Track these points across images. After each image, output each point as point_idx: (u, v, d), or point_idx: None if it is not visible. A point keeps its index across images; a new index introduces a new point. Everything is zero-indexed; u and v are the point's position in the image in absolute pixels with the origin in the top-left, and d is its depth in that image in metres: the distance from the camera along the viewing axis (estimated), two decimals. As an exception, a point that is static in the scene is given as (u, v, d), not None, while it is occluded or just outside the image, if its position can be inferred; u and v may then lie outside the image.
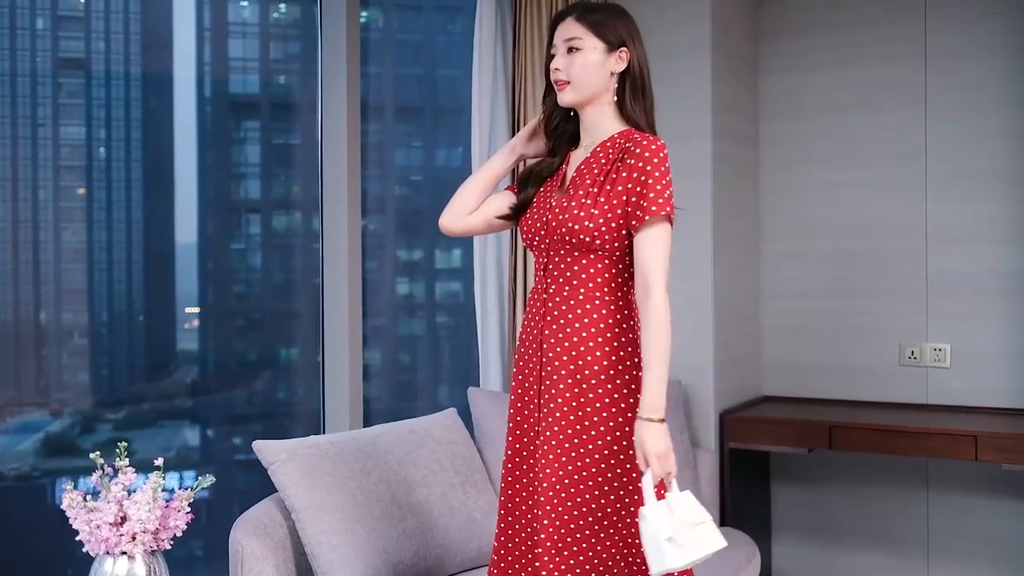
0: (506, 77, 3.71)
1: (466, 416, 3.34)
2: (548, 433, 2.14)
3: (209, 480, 2.34)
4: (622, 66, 2.22)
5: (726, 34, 4.01)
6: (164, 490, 2.29)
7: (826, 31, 4.21)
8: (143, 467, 2.32)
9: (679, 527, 1.94)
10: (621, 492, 2.12)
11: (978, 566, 3.91)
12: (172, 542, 2.27)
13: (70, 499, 2.19)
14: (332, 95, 3.44)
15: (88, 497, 2.22)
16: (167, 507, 2.26)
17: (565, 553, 2.11)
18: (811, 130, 4.25)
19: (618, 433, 2.12)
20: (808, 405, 4.14)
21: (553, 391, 2.16)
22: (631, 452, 2.09)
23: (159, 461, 2.30)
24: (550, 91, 2.29)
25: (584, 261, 2.17)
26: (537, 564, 2.14)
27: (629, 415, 2.11)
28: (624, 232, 2.13)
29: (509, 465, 2.29)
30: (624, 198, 2.12)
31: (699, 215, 3.83)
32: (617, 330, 2.14)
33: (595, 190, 2.16)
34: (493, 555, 2.32)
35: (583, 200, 2.16)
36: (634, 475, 2.11)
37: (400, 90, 4.24)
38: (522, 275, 3.64)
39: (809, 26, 4.25)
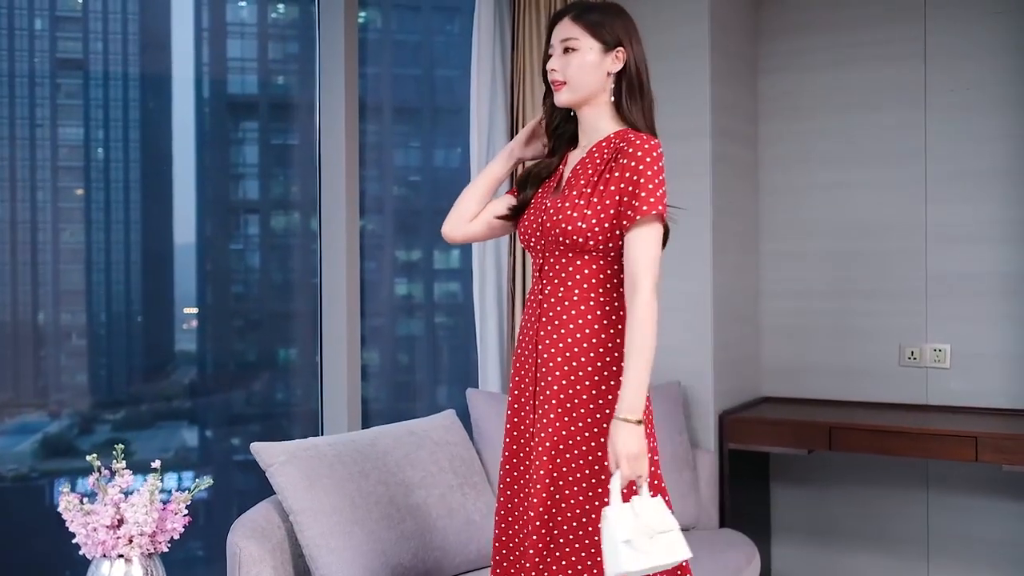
0: (504, 77, 3.70)
1: (465, 417, 3.34)
2: (543, 434, 2.14)
3: (207, 482, 2.34)
4: (618, 66, 2.21)
5: (725, 34, 4.00)
6: (163, 491, 2.29)
7: (825, 31, 4.21)
8: (141, 468, 2.31)
9: (639, 531, 1.91)
10: (600, 490, 2.10)
11: (978, 567, 3.90)
12: (169, 545, 2.26)
13: (66, 502, 2.18)
14: (330, 95, 3.43)
15: (85, 500, 2.21)
16: (164, 510, 2.25)
17: (558, 554, 2.11)
18: (811, 130, 4.24)
19: (594, 444, 2.11)
20: (807, 406, 4.13)
21: (548, 392, 2.16)
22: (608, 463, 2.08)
23: (156, 464, 2.29)
24: (550, 93, 2.28)
25: (578, 262, 2.17)
26: (528, 565, 2.13)
27: (606, 426, 2.10)
28: (618, 233, 2.12)
29: (507, 466, 2.29)
30: (617, 198, 2.11)
31: (698, 215, 3.83)
32: (612, 331, 2.13)
33: (588, 190, 2.15)
34: (494, 556, 2.31)
35: (576, 201, 2.16)
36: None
37: (398, 90, 4.23)
38: (521, 276, 3.63)
39: (808, 26, 4.24)
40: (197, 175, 3.74)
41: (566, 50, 2.21)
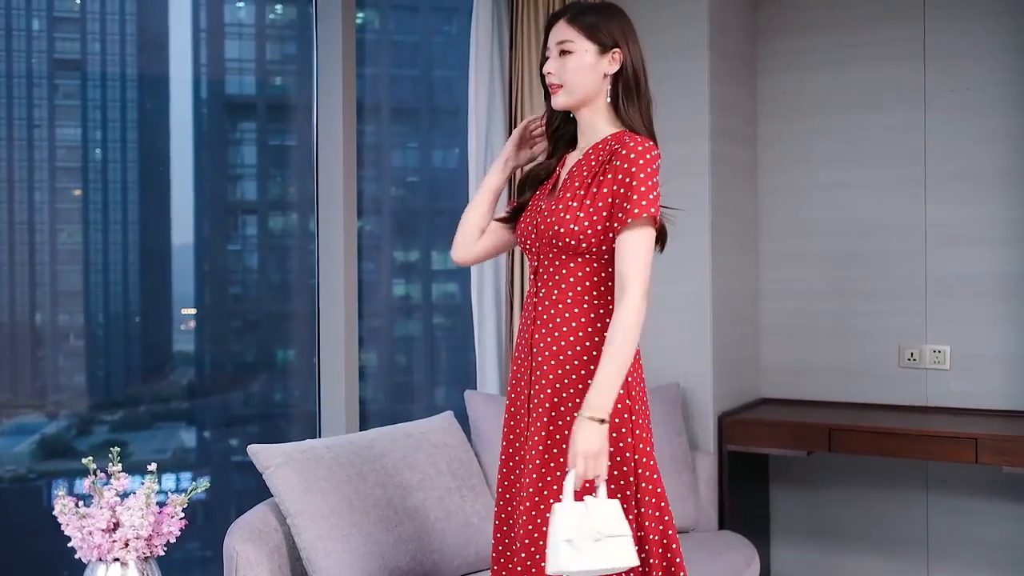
0: (502, 78, 3.69)
1: (463, 419, 3.33)
2: (535, 439, 2.13)
3: (203, 485, 2.33)
4: (615, 68, 2.20)
5: (724, 34, 3.99)
6: (160, 492, 2.28)
7: (825, 31, 4.19)
8: (140, 469, 2.30)
9: (585, 532, 1.88)
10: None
11: (978, 569, 3.89)
12: (166, 548, 2.25)
13: (62, 505, 2.17)
14: (328, 96, 3.42)
15: (80, 503, 2.20)
16: (161, 513, 2.24)
17: (537, 557, 2.10)
18: (810, 130, 4.23)
19: None
20: (807, 407, 4.12)
21: (541, 396, 2.15)
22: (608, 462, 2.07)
23: (152, 467, 2.28)
24: (549, 95, 2.28)
25: (572, 264, 2.16)
26: (520, 569, 2.13)
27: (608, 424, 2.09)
28: (611, 235, 2.11)
29: (503, 470, 2.28)
30: (610, 200, 2.10)
31: (697, 216, 3.82)
32: (605, 335, 2.12)
33: (582, 193, 2.14)
34: (493, 559, 2.30)
35: (570, 203, 2.15)
36: (611, 486, 2.07)
37: (396, 91, 4.23)
38: (519, 277, 3.62)
39: (807, 26, 4.23)
40: (195, 176, 3.74)
41: (562, 53, 2.19)
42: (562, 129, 2.32)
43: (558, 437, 2.12)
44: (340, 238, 3.41)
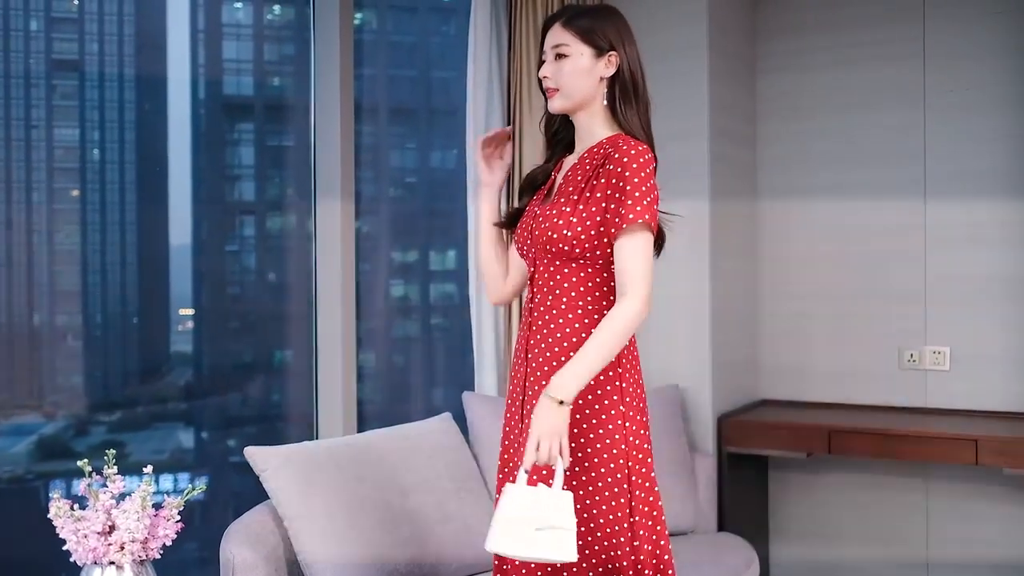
0: (501, 79, 3.68)
1: (461, 420, 3.32)
2: (545, 470, 2.12)
3: (200, 488, 2.32)
4: (611, 70, 2.18)
5: (723, 34, 3.98)
6: (158, 493, 2.27)
7: (824, 31, 4.18)
8: (138, 470, 2.29)
9: (527, 520, 1.88)
10: (588, 502, 2.08)
11: (978, 571, 3.88)
12: (162, 551, 2.24)
13: (56, 508, 2.16)
14: (325, 96, 3.41)
15: (75, 506, 2.19)
16: (156, 516, 2.23)
17: (549, 569, 2.09)
18: (809, 131, 4.22)
19: (589, 450, 2.08)
20: (806, 409, 4.11)
21: (535, 401, 2.14)
22: (602, 469, 2.06)
23: (148, 469, 2.27)
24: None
25: (566, 270, 2.14)
26: (524, 571, 2.12)
27: (600, 431, 2.07)
28: (605, 240, 2.09)
29: (500, 476, 2.27)
30: (603, 205, 2.08)
31: (697, 216, 3.81)
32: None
33: (576, 197, 2.13)
34: (495, 572, 2.29)
35: (563, 208, 2.13)
36: (605, 493, 2.07)
37: (395, 92, 4.22)
38: (517, 277, 3.61)
39: (807, 26, 4.22)
40: (193, 176, 3.74)
41: (558, 56, 2.18)
42: (561, 133, 2.31)
43: None
44: (338, 239, 3.40)
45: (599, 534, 2.09)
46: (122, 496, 2.23)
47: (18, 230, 3.27)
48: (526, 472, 1.95)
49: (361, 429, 3.45)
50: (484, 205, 2.39)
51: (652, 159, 2.09)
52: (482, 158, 2.39)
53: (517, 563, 2.16)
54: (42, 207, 3.37)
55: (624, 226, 2.03)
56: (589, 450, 2.08)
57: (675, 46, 3.85)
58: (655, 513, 2.12)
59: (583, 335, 2.11)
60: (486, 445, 3.23)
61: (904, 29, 4.01)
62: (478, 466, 3.18)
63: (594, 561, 2.10)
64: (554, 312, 2.14)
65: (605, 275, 2.13)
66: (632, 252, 2.04)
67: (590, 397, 2.09)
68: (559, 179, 2.25)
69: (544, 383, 2.12)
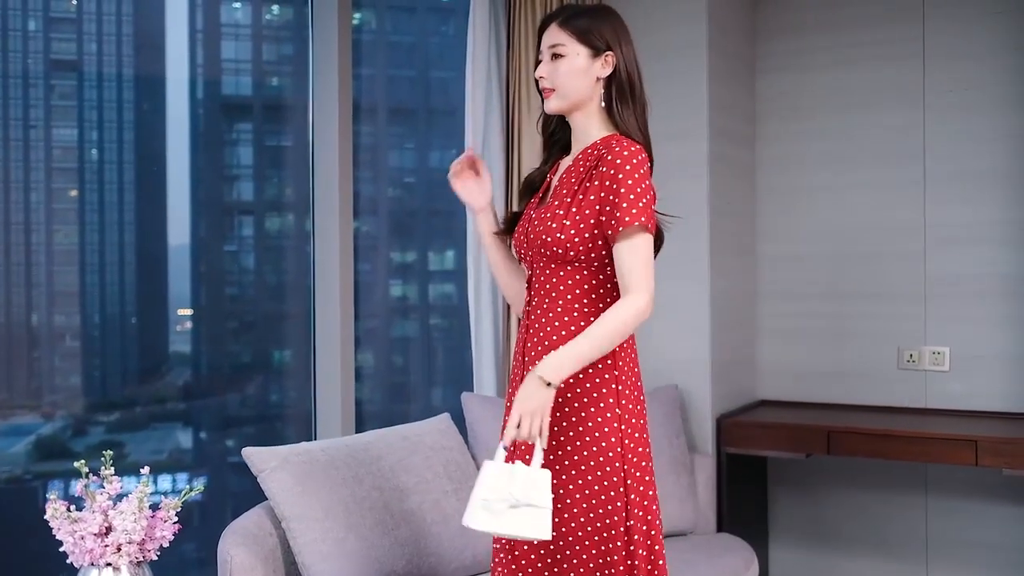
0: (499, 79, 3.68)
1: (459, 420, 3.31)
2: (525, 446, 2.12)
3: (197, 488, 2.31)
4: (608, 71, 2.17)
5: (723, 34, 3.98)
6: (156, 493, 2.26)
7: (824, 31, 4.18)
8: (136, 470, 2.28)
9: (503, 496, 1.90)
10: (584, 505, 2.07)
11: (978, 572, 3.88)
12: (159, 553, 2.23)
13: (53, 509, 2.15)
14: (323, 97, 3.41)
15: (72, 507, 2.19)
16: (153, 517, 2.22)
17: (542, 552, 2.09)
18: (809, 131, 4.22)
19: (585, 453, 2.07)
20: (806, 409, 4.10)
21: None
22: (598, 473, 2.06)
23: (145, 470, 2.26)
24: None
25: (561, 273, 2.14)
26: (531, 571, 2.12)
27: (596, 434, 2.07)
28: (600, 242, 2.08)
29: None
30: (597, 208, 2.07)
31: (696, 216, 3.80)
32: None
33: (569, 200, 2.12)
34: (493, 562, 2.29)
35: (557, 211, 2.13)
36: (602, 497, 2.06)
37: (393, 92, 4.22)
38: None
39: (807, 26, 4.22)
40: (191, 176, 3.73)
41: (554, 56, 2.17)
42: (557, 133, 2.30)
43: (552, 445, 2.10)
44: (336, 239, 3.40)
45: (596, 537, 2.08)
46: (119, 497, 2.23)
47: (16, 230, 3.26)
48: (504, 449, 1.97)
49: (360, 429, 3.44)
50: (482, 227, 2.39)
51: (646, 159, 2.08)
52: (460, 191, 2.37)
53: (517, 554, 2.15)
54: (40, 207, 3.37)
55: (620, 229, 2.02)
56: (585, 453, 2.08)
57: (674, 46, 3.85)
58: (649, 517, 2.11)
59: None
60: (485, 445, 3.23)
61: (904, 29, 4.01)
62: (477, 467, 3.17)
63: (586, 557, 2.09)
64: (550, 315, 2.13)
65: (601, 277, 2.12)
66: (631, 254, 2.03)
67: (585, 400, 2.08)
68: (554, 181, 2.25)
69: None
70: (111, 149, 3.61)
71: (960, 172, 3.91)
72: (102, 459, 2.25)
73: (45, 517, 2.17)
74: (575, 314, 2.11)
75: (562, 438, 2.10)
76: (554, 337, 2.12)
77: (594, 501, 2.07)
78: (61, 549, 2.18)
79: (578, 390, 2.09)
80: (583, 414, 2.08)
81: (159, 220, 3.70)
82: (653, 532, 2.12)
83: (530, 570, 2.14)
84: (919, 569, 3.99)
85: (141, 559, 2.19)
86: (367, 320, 3.89)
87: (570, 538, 2.09)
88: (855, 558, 4.12)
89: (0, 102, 3.26)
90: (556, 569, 2.10)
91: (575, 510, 2.08)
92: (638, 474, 2.10)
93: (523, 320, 2.24)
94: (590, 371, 2.09)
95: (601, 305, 2.11)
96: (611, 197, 2.04)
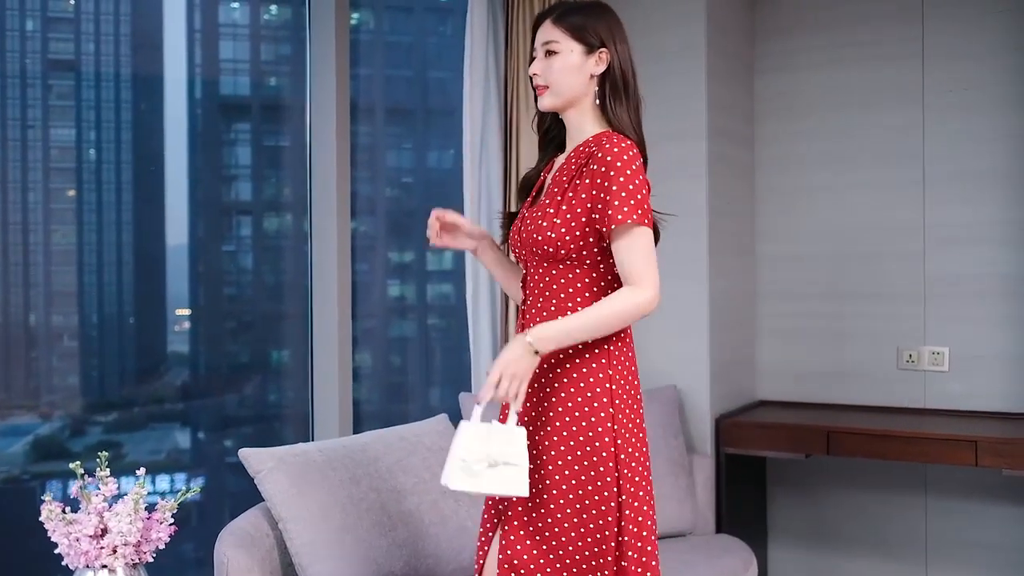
0: (498, 78, 3.67)
1: (457, 420, 3.30)
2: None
3: (194, 490, 2.31)
4: (602, 68, 2.16)
5: (722, 34, 3.97)
6: (154, 493, 2.26)
7: (823, 31, 4.17)
8: (134, 470, 2.28)
9: (482, 456, 1.92)
10: (578, 505, 2.07)
11: (977, 572, 3.87)
12: (155, 555, 2.23)
13: (48, 511, 2.14)
14: (320, 97, 3.40)
15: (67, 509, 2.18)
16: (149, 519, 2.21)
17: (542, 562, 2.09)
18: (808, 131, 4.21)
19: (579, 452, 2.07)
20: (805, 409, 4.10)
21: (528, 404, 2.13)
22: (592, 473, 2.05)
23: (141, 471, 2.25)
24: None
25: (554, 272, 2.13)
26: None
27: (590, 433, 2.06)
28: (592, 240, 2.08)
29: None
30: (588, 205, 2.06)
31: (695, 217, 3.80)
32: (591, 342, 2.09)
33: (559, 198, 2.11)
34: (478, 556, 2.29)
35: (548, 209, 2.12)
36: (596, 497, 2.05)
37: (391, 92, 4.22)
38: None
39: (806, 26, 4.21)
40: (189, 176, 3.73)
41: (548, 53, 2.16)
42: (553, 131, 2.29)
43: (546, 444, 2.10)
44: (333, 239, 3.40)
45: (589, 538, 2.07)
46: (116, 498, 2.22)
47: (14, 230, 3.26)
48: (478, 404, 1.99)
49: (357, 429, 3.44)
50: (482, 260, 2.40)
51: (638, 155, 2.06)
52: (447, 246, 2.35)
53: (518, 547, 2.15)
54: (38, 207, 3.36)
55: (614, 227, 2.01)
56: (579, 453, 2.07)
57: (673, 46, 3.84)
58: (639, 518, 2.10)
59: None
60: (483, 446, 3.22)
61: (903, 29, 4.00)
62: (474, 468, 3.17)
63: (573, 549, 2.08)
64: (545, 314, 2.13)
65: (595, 275, 2.11)
66: (630, 250, 2.03)
67: (580, 399, 2.08)
68: (548, 180, 2.24)
69: (536, 386, 2.11)
70: (109, 149, 3.61)
71: (960, 172, 3.90)
72: (97, 460, 2.24)
73: (40, 519, 2.16)
74: (569, 312, 2.11)
75: (555, 438, 2.09)
76: None
77: (587, 502, 2.06)
78: (56, 551, 2.17)
79: (572, 389, 2.09)
80: (576, 413, 2.08)
81: (157, 220, 3.69)
82: (644, 533, 2.11)
83: (540, 555, 2.13)
84: (919, 570, 3.98)
85: (137, 561, 2.18)
86: (365, 320, 3.89)
87: (562, 536, 2.08)
88: (855, 559, 4.11)
89: (-1, 102, 3.26)
90: (543, 561, 2.09)
91: (568, 510, 2.07)
92: (631, 475, 2.09)
93: (518, 319, 2.23)
94: (583, 369, 2.09)
95: (595, 303, 2.11)
96: (603, 195, 2.03)
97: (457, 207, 3.65)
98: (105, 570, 2.15)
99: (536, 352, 1.99)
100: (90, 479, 2.22)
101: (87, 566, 2.15)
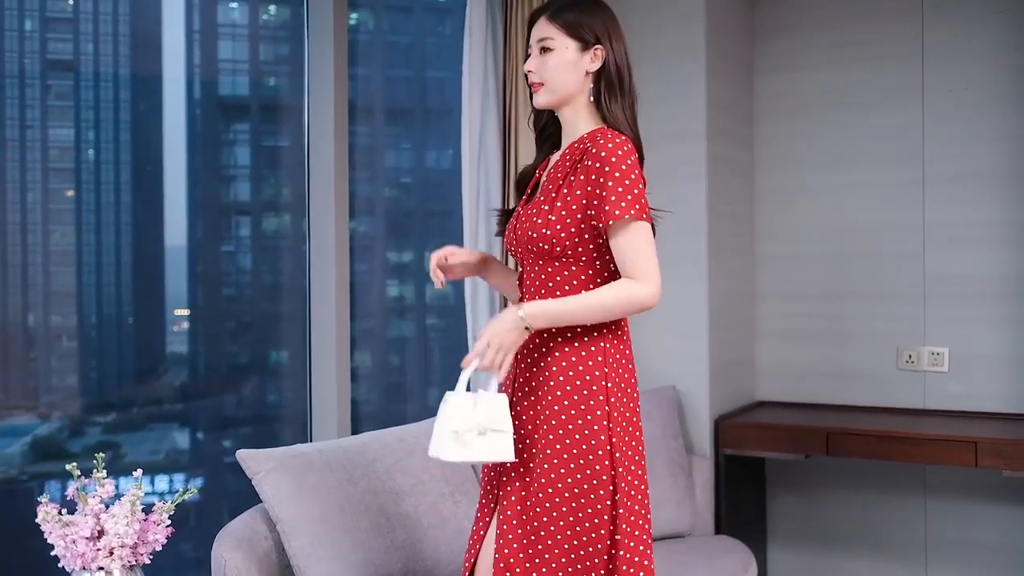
0: (496, 78, 3.67)
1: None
2: (517, 445, 2.11)
3: (192, 491, 2.30)
4: (597, 64, 2.14)
5: (722, 34, 3.97)
6: (152, 493, 2.25)
7: (823, 30, 4.17)
8: (133, 471, 2.27)
9: (471, 425, 1.94)
10: (574, 504, 2.06)
11: (977, 573, 3.87)
12: (152, 556, 2.22)
13: (44, 512, 2.13)
14: (319, 97, 3.40)
15: (64, 510, 2.17)
16: (146, 520, 2.21)
17: (521, 556, 2.09)
18: (807, 131, 4.20)
19: (575, 451, 2.06)
20: (804, 410, 4.09)
21: (525, 402, 2.12)
22: (588, 471, 2.04)
23: (138, 473, 2.25)
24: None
25: (550, 269, 2.12)
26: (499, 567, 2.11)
27: (586, 432, 2.05)
28: (588, 236, 2.07)
29: (489, 475, 2.26)
30: (584, 202, 2.05)
31: (694, 217, 3.79)
32: (587, 339, 2.09)
33: (554, 195, 2.10)
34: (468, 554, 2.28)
35: (543, 206, 2.11)
36: (592, 495, 2.05)
37: (390, 92, 4.22)
38: (513, 278, 3.60)
39: (805, 25, 4.20)
40: (188, 177, 3.73)
41: (543, 50, 2.15)
42: (549, 129, 2.28)
43: (542, 443, 2.09)
44: (332, 239, 3.39)
45: (585, 537, 2.06)
46: (113, 500, 2.21)
47: (13, 230, 3.26)
48: (463, 369, 2.01)
49: (356, 430, 3.43)
50: (489, 280, 2.43)
51: (633, 150, 2.05)
52: (452, 279, 2.35)
53: (514, 546, 2.14)
54: (37, 207, 3.36)
55: (611, 222, 2.00)
56: (575, 451, 2.06)
57: (672, 46, 3.83)
58: (632, 518, 2.09)
59: (568, 334, 2.10)
60: (481, 447, 3.21)
61: (903, 28, 3.99)
62: (473, 469, 3.16)
63: (567, 546, 2.07)
64: None
65: (591, 272, 2.10)
66: (628, 246, 2.02)
67: (576, 397, 2.07)
68: (543, 177, 2.23)
69: (533, 385, 2.10)
70: (108, 149, 3.61)
71: (960, 172, 3.90)
72: (95, 461, 2.24)
73: (36, 520, 2.15)
74: None
75: (551, 436, 2.08)
76: (544, 334, 2.11)
77: (583, 500, 2.06)
78: (53, 553, 2.17)
79: (568, 388, 2.08)
80: (572, 412, 2.07)
81: (156, 220, 3.69)
82: (638, 533, 2.10)
83: (511, 560, 2.12)
84: (918, 570, 3.98)
85: (134, 563, 2.17)
86: (363, 320, 3.89)
87: (556, 534, 2.07)
88: (854, 560, 4.11)
89: (-3, 102, 3.26)
90: (538, 560, 2.09)
91: (564, 508, 2.06)
92: (628, 476, 2.08)
93: None
94: (580, 368, 2.08)
95: None
96: (599, 191, 2.02)
97: (456, 207, 3.65)
98: (102, 572, 2.14)
99: (527, 328, 2.00)
100: (87, 480, 2.21)
101: (84, 568, 2.14)
